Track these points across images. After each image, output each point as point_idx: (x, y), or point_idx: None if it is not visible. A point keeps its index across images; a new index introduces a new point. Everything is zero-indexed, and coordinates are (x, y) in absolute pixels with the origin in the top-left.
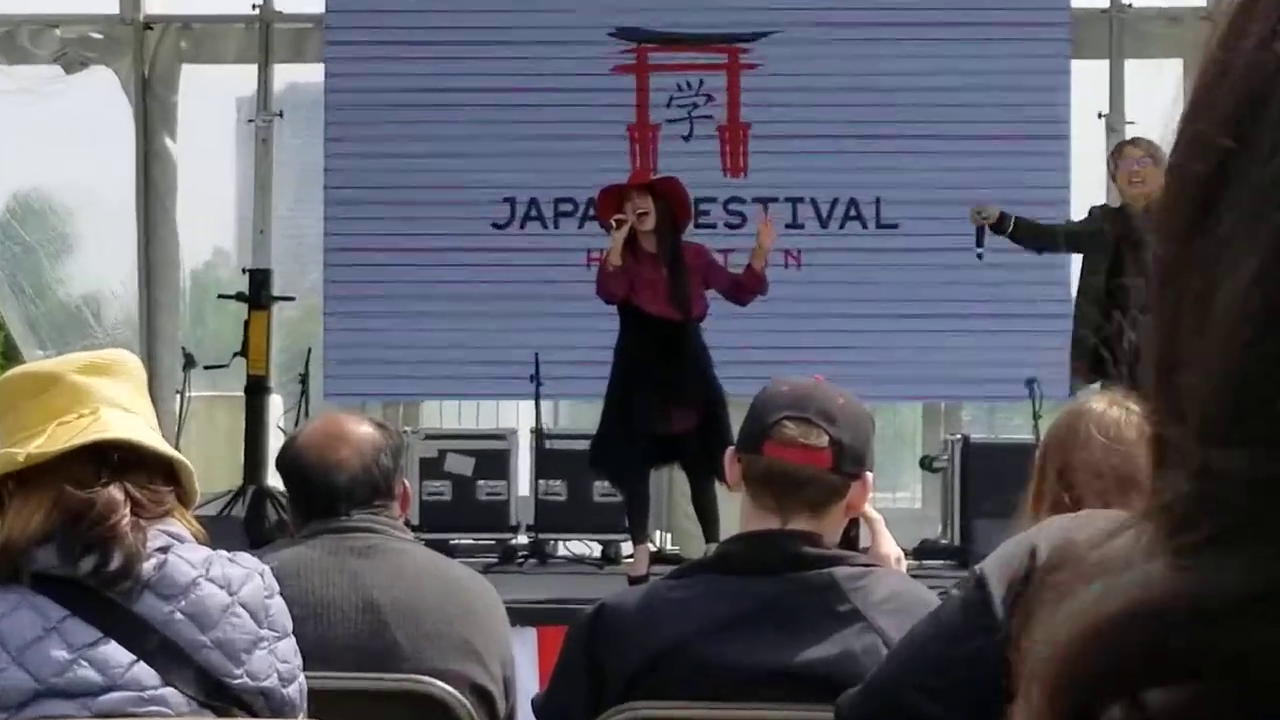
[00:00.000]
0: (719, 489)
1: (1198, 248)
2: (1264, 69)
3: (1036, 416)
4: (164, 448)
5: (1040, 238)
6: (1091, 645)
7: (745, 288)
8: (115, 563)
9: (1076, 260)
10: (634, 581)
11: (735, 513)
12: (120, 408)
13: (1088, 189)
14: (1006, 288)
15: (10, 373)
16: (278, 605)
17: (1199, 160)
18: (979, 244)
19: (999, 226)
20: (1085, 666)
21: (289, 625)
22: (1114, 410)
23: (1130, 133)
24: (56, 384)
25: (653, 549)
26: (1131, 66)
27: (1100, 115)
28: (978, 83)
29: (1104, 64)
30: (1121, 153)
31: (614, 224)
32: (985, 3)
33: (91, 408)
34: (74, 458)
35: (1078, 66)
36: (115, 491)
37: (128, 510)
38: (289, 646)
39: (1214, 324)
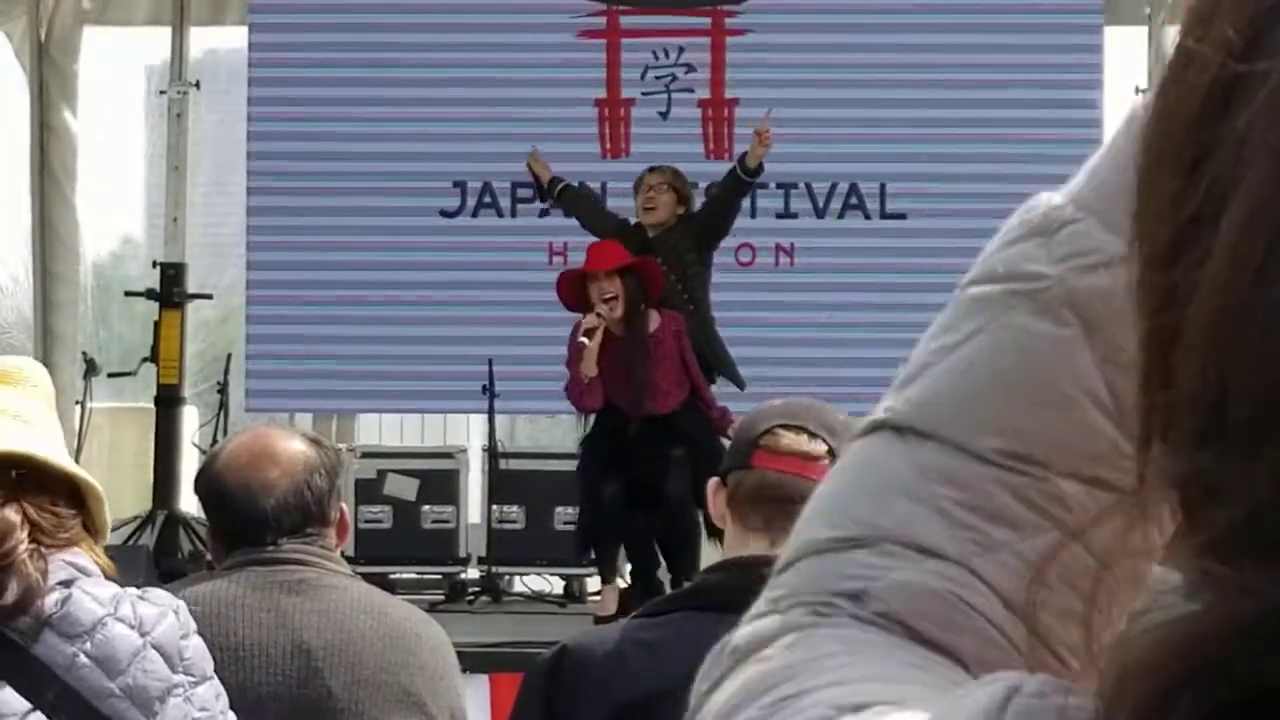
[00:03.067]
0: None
1: (1190, 182)
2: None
3: None
4: (71, 467)
5: None
6: (1151, 674)
7: (703, 401)
8: (11, 595)
9: None
10: (600, 622)
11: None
12: (22, 421)
13: None
14: None
15: None
16: (195, 646)
17: (1198, 78)
18: None
19: None
20: (1147, 694)
21: (208, 668)
22: None
23: None
24: None
25: (623, 585)
26: (1173, 34)
27: (1138, 90)
28: (999, 58)
29: (1142, 31)
30: None
31: (583, 334)
32: None
33: None
34: None
35: (1112, 35)
36: (11, 513)
37: (25, 535)
38: (208, 692)
39: (1213, 260)
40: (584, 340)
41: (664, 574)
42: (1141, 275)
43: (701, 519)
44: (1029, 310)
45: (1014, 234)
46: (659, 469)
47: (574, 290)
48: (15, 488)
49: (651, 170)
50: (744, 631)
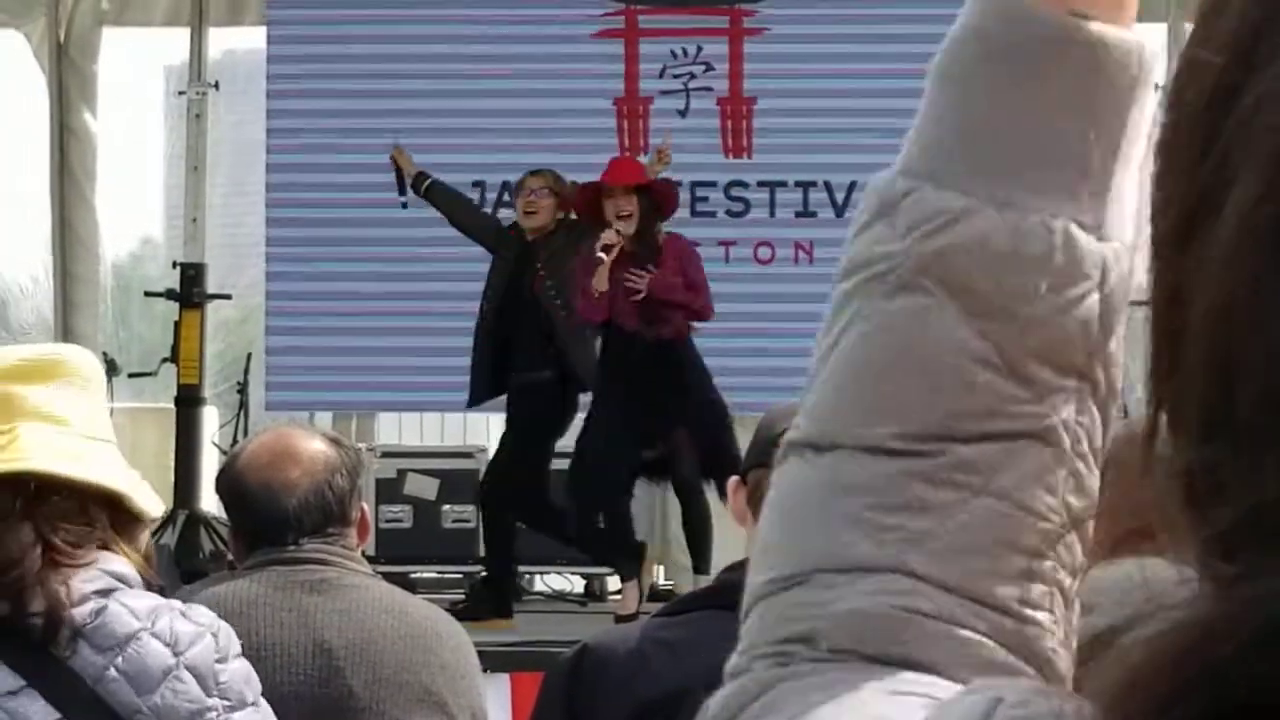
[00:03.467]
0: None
1: (1200, 159)
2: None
3: None
4: (90, 476)
5: None
6: (1154, 679)
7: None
8: (34, 610)
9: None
10: (622, 620)
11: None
12: (51, 420)
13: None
14: None
15: None
16: (234, 671)
17: (1199, 82)
18: None
19: None
20: (1151, 699)
21: (247, 695)
22: None
23: None
24: None
25: (650, 583)
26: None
27: (1157, 87)
28: None
29: (1161, 28)
30: None
31: (601, 249)
32: None
33: (8, 425)
34: None
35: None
36: (25, 534)
37: (38, 556)
38: None
39: (1219, 238)
40: (601, 255)
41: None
42: (1151, 266)
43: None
44: (886, 290)
45: (860, 222)
46: (665, 420)
47: (590, 204)
48: (33, 502)
49: (533, 174)
50: (717, 698)
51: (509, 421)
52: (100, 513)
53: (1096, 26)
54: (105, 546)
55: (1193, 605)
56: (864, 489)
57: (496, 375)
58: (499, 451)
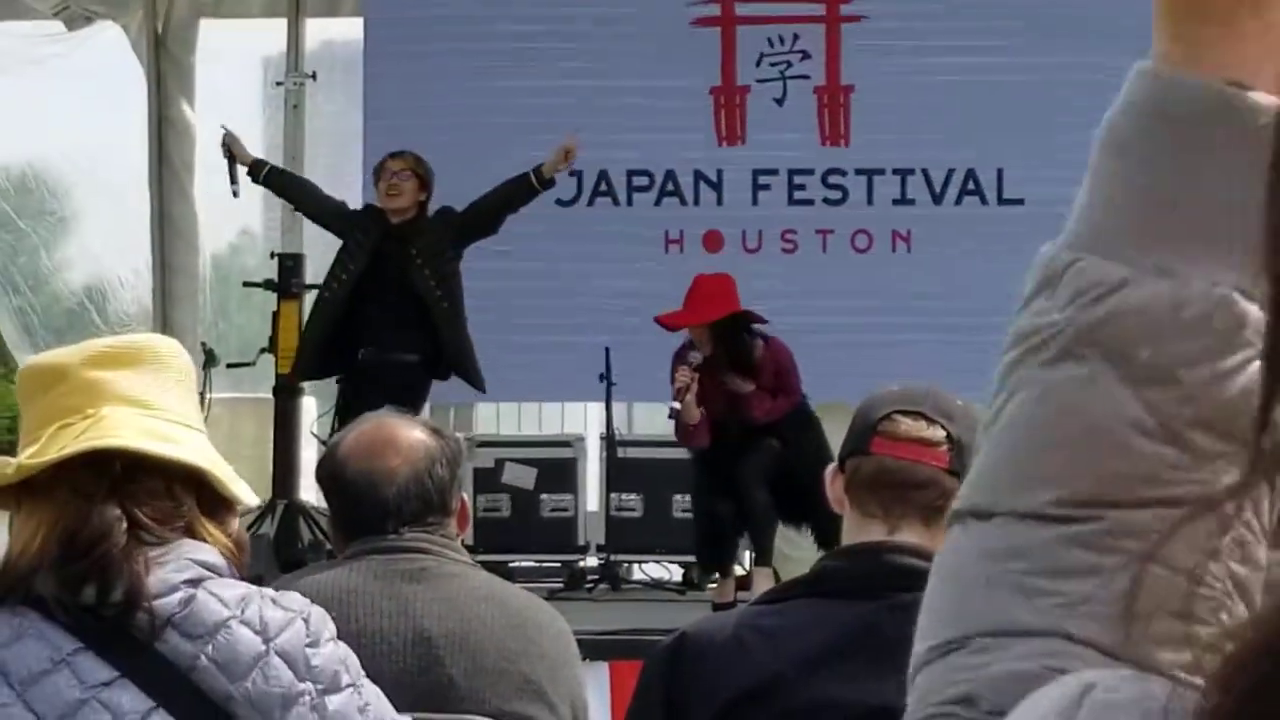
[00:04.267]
0: None
1: None
2: None
3: None
4: (174, 453)
5: None
6: (1257, 659)
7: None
8: (117, 593)
9: None
10: (719, 609)
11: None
12: (138, 404)
13: None
14: None
15: (23, 366)
16: (327, 655)
17: None
18: None
19: None
20: (1251, 679)
21: (343, 677)
22: None
23: None
24: (63, 380)
25: (740, 573)
26: None
27: None
28: (1118, 43)
29: None
30: None
31: (678, 399)
32: None
33: (94, 408)
34: (72, 469)
35: None
36: (111, 510)
37: (124, 533)
38: (345, 703)
39: None
40: (675, 405)
41: None
42: (1269, 249)
43: (771, 499)
44: (1047, 359)
45: (1025, 295)
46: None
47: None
48: (119, 481)
49: (393, 156)
50: None
51: (356, 399)
52: (186, 495)
53: (1255, 96)
54: (192, 531)
55: None
56: (1022, 555)
57: (336, 355)
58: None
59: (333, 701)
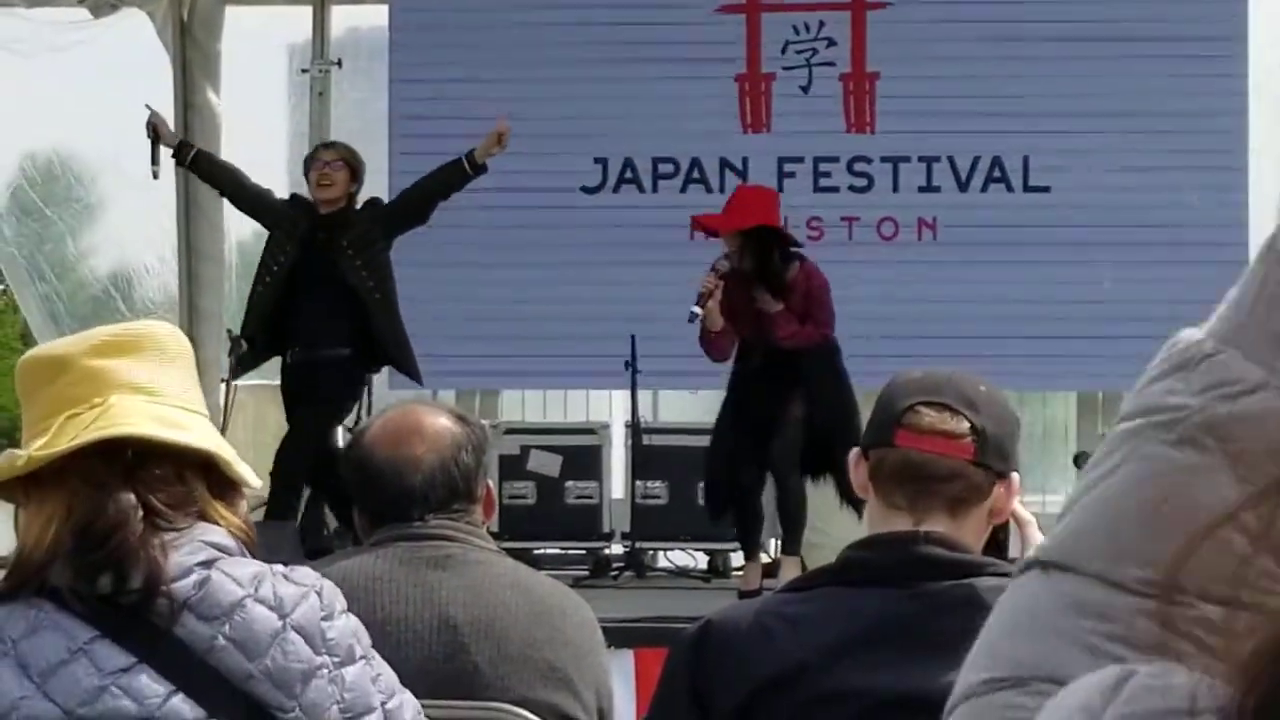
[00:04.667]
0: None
1: None
2: None
3: None
4: (184, 439)
5: None
6: None
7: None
8: (136, 581)
9: (1256, 221)
10: (745, 596)
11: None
12: (144, 392)
13: (1268, 136)
14: (1178, 248)
15: (24, 357)
16: (340, 627)
17: None
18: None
19: None
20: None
21: (356, 649)
22: None
23: None
24: (67, 370)
25: (766, 560)
26: None
27: None
28: (1139, 29)
29: None
30: None
31: (700, 303)
32: None
33: (101, 397)
34: (83, 458)
35: (1256, 4)
36: (126, 498)
37: (140, 520)
38: (358, 674)
39: None
40: (696, 310)
41: None
42: None
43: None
44: (1170, 440)
45: (1157, 370)
46: (775, 415)
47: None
48: (131, 468)
49: (325, 146)
50: None
51: (296, 395)
52: (196, 479)
53: None
54: (203, 515)
55: None
56: (1095, 615)
57: (271, 348)
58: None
59: (349, 673)
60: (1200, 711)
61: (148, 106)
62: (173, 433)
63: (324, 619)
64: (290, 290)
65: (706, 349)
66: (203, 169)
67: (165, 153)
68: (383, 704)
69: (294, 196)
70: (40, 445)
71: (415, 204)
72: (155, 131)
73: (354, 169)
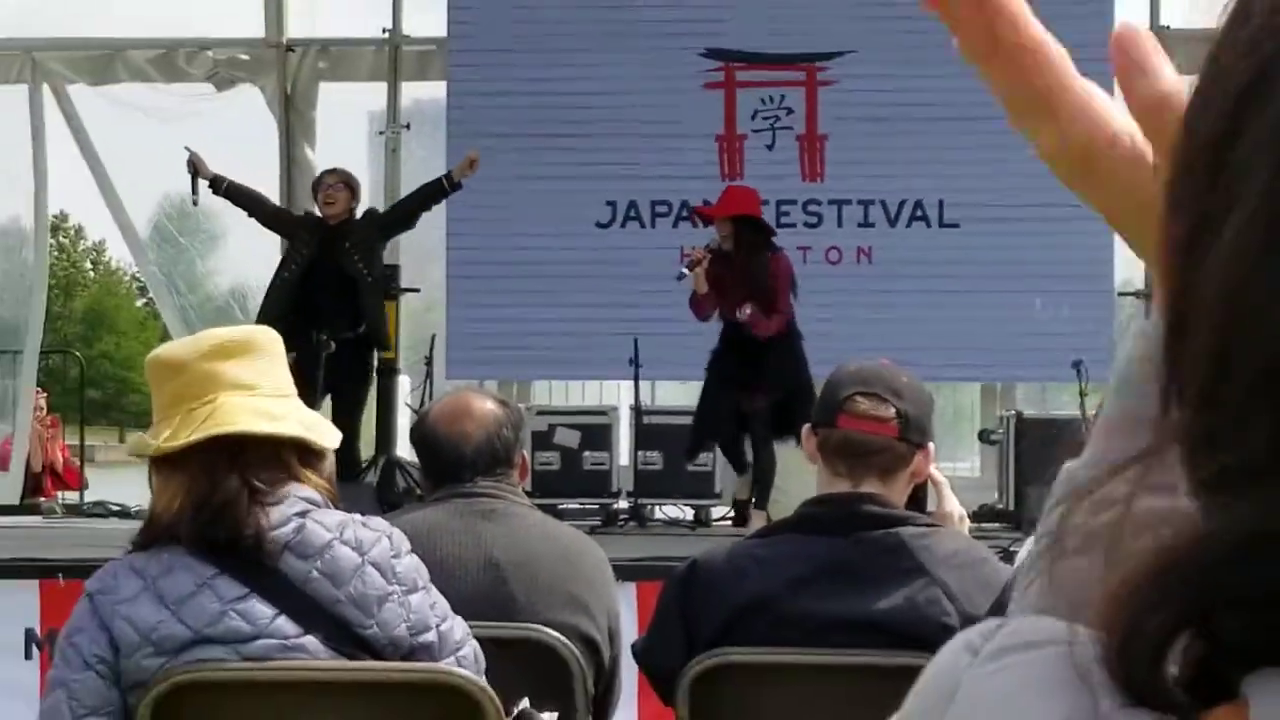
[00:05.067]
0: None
1: (1208, 186)
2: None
3: (1083, 395)
4: (276, 429)
5: None
6: (1150, 585)
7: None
8: (246, 541)
9: (1119, 256)
10: (738, 507)
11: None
12: (244, 388)
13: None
14: (1057, 279)
15: (151, 355)
16: (406, 564)
17: (1210, 114)
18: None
19: None
20: (1149, 603)
21: (418, 581)
22: None
23: None
24: (183, 372)
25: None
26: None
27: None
28: None
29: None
30: None
31: (689, 266)
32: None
33: (211, 395)
34: (200, 449)
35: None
36: (232, 482)
37: (246, 499)
38: (422, 600)
39: (1219, 252)
40: (685, 271)
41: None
42: (1164, 262)
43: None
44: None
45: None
46: (748, 388)
47: (704, 218)
48: (238, 455)
49: (329, 172)
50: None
51: (325, 375)
52: (290, 454)
53: None
54: (296, 478)
55: (1181, 525)
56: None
57: (288, 332)
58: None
59: (413, 600)
60: (1079, 641)
61: (187, 149)
62: (267, 425)
63: (393, 557)
64: (305, 284)
65: (694, 309)
66: (234, 196)
67: (203, 185)
68: (437, 625)
69: (307, 213)
70: (167, 436)
71: (405, 214)
72: (194, 168)
73: (352, 189)
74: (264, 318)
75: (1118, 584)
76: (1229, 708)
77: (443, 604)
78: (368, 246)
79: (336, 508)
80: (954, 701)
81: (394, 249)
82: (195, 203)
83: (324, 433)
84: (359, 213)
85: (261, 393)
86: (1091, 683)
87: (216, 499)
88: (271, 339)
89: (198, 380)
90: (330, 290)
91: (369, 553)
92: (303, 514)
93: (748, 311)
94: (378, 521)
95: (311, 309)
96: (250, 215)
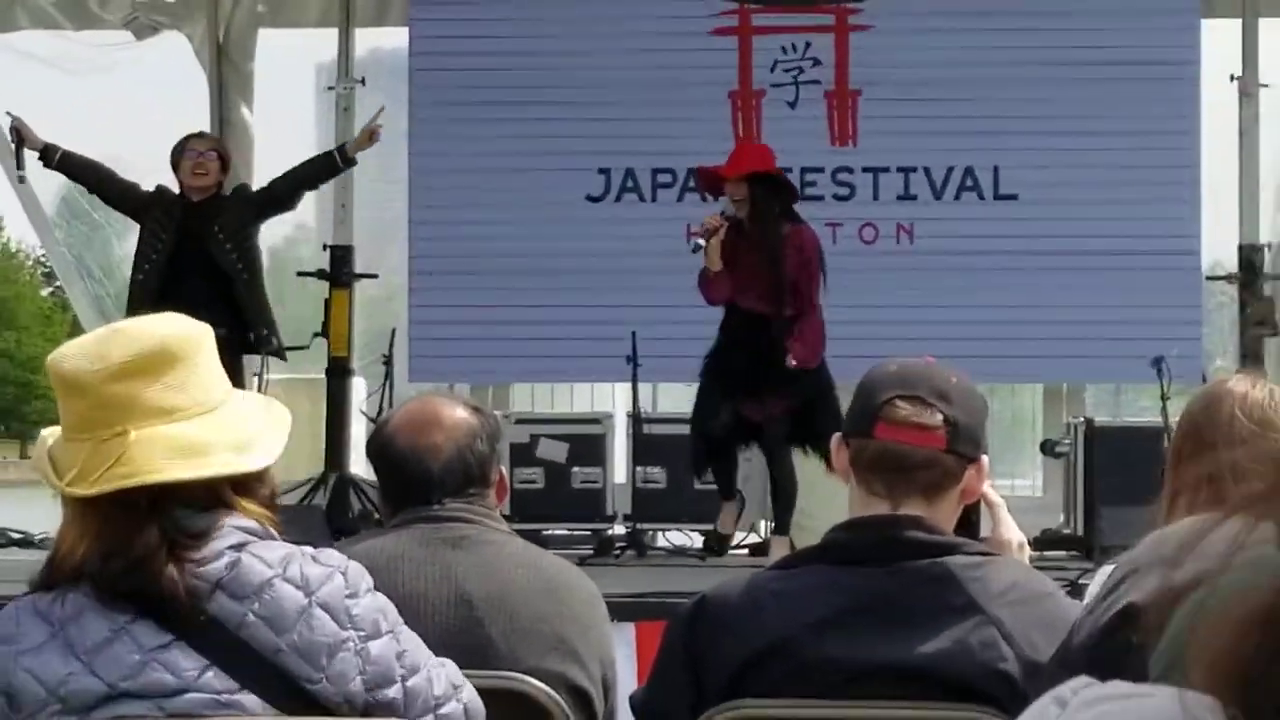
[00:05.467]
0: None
1: None
2: None
3: (1165, 398)
4: (198, 471)
5: None
6: (1252, 632)
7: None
8: (158, 593)
9: (1207, 235)
10: (719, 539)
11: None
12: (161, 415)
13: (1219, 155)
14: (1134, 257)
15: (51, 360)
16: (365, 604)
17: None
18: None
19: None
20: (1253, 648)
21: (381, 625)
22: (1258, 391)
23: (1265, 97)
24: (87, 395)
25: (757, 540)
26: (1266, 25)
27: (1233, 78)
28: (1100, 49)
29: (1236, 23)
30: None
31: (704, 236)
32: None
33: (122, 426)
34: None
35: (1209, 26)
36: (150, 534)
37: (164, 553)
38: (383, 648)
39: None
40: (700, 243)
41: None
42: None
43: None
44: None
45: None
46: (757, 389)
47: (714, 185)
48: (155, 503)
49: (197, 136)
50: None
51: None
52: (222, 484)
53: None
54: (231, 507)
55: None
56: None
57: None
58: None
59: (374, 647)
60: (1188, 691)
61: (9, 113)
62: (188, 467)
63: (349, 597)
64: (169, 277)
65: (704, 291)
66: (70, 169)
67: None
68: (402, 679)
69: (159, 188)
70: (74, 476)
71: (286, 192)
72: (19, 136)
73: (224, 159)
74: None
75: (1227, 640)
76: None
77: (416, 653)
78: (240, 230)
79: (281, 538)
80: None
81: (347, 227)
82: (22, 179)
83: (264, 444)
84: (227, 188)
85: (183, 415)
86: None
87: (132, 553)
88: (191, 338)
89: (103, 406)
90: (195, 283)
91: (317, 592)
92: (239, 546)
93: (792, 362)
94: (331, 554)
95: (172, 304)
96: (91, 192)
